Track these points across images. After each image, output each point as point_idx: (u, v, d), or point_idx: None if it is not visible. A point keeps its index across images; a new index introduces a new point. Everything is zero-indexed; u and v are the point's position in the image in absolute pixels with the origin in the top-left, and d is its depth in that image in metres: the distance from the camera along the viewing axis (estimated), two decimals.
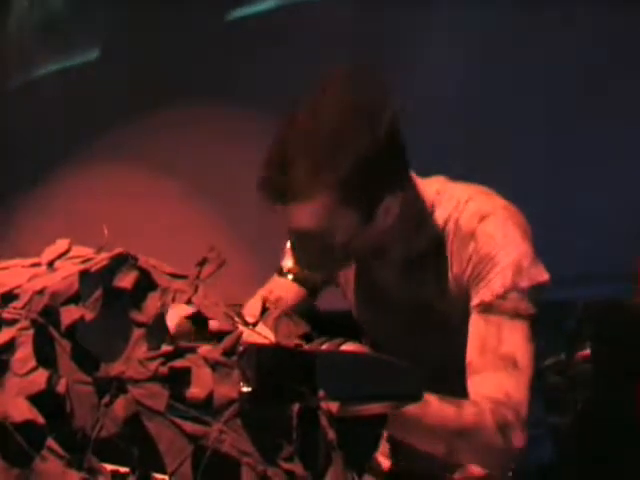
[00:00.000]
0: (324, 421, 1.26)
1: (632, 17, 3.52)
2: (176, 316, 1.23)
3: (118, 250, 1.28)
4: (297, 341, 1.38)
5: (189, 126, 4.21)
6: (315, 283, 2.08)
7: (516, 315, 1.80)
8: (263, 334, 1.31)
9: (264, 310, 1.34)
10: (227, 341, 1.23)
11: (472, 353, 1.81)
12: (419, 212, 1.88)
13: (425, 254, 1.90)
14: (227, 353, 1.22)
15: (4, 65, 4.65)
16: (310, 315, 1.90)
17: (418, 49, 3.76)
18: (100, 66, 4.42)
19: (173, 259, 1.38)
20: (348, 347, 1.54)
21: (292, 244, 1.88)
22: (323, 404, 1.26)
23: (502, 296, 1.81)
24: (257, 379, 1.20)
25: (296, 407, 1.24)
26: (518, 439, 1.75)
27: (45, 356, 1.23)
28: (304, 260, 1.86)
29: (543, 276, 1.85)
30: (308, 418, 1.25)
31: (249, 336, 1.30)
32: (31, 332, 1.24)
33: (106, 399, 1.21)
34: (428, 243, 1.89)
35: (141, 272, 1.26)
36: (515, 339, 1.79)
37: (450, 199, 1.89)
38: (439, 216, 1.89)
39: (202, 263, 1.29)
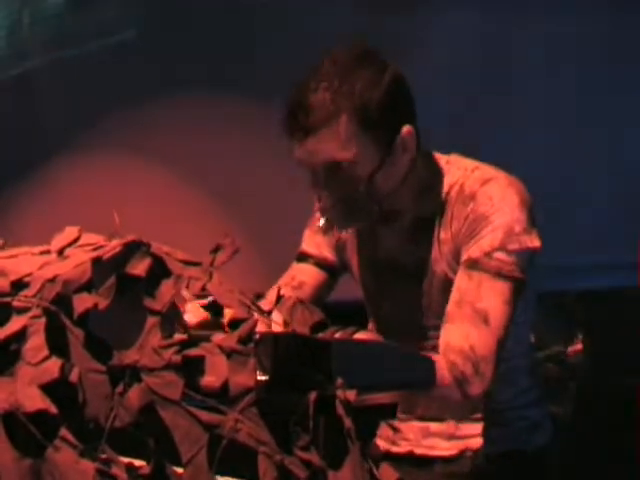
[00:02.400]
0: (341, 409, 1.24)
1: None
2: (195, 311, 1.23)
3: (131, 237, 1.26)
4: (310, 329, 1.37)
5: (189, 114, 4.19)
6: (334, 266, 2.12)
7: (499, 275, 1.85)
8: (278, 322, 1.30)
9: (279, 298, 1.32)
10: (242, 329, 1.21)
11: (450, 304, 1.86)
12: (428, 177, 1.96)
13: (430, 218, 1.96)
14: (243, 341, 1.20)
15: (2, 54, 4.64)
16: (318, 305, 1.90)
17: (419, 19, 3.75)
18: (100, 55, 4.40)
19: (173, 246, 1.36)
20: (361, 335, 1.53)
21: (318, 199, 1.91)
22: (340, 392, 1.24)
23: (488, 254, 1.85)
24: (273, 367, 1.19)
25: (312, 395, 1.22)
26: (475, 388, 1.81)
27: (57, 345, 1.21)
28: (332, 211, 1.89)
29: (534, 242, 1.89)
30: (324, 406, 1.23)
31: (260, 324, 1.29)
32: (43, 320, 1.22)
33: (120, 388, 1.20)
34: (434, 207, 1.96)
35: (154, 259, 1.25)
36: (492, 298, 1.84)
37: (458, 168, 1.97)
38: (446, 182, 1.96)
39: (216, 250, 1.27)
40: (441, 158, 2.00)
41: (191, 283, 1.23)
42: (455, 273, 1.91)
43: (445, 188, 1.96)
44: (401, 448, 2.09)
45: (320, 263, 2.12)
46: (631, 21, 3.54)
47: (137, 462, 1.29)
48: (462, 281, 1.87)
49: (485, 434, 2.03)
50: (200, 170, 4.18)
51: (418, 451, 2.07)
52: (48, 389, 1.18)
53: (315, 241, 2.14)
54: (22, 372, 1.20)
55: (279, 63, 3.77)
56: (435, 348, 1.87)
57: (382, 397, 1.45)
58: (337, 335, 1.48)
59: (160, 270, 1.24)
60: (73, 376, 1.19)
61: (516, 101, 3.60)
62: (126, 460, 1.23)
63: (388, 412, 1.52)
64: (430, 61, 3.62)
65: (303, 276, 2.11)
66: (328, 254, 2.12)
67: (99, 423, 1.19)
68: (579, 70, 3.60)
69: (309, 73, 1.86)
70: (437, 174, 1.97)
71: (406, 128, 1.87)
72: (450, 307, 1.86)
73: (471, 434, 2.04)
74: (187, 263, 1.27)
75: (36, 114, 4.48)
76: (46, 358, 1.20)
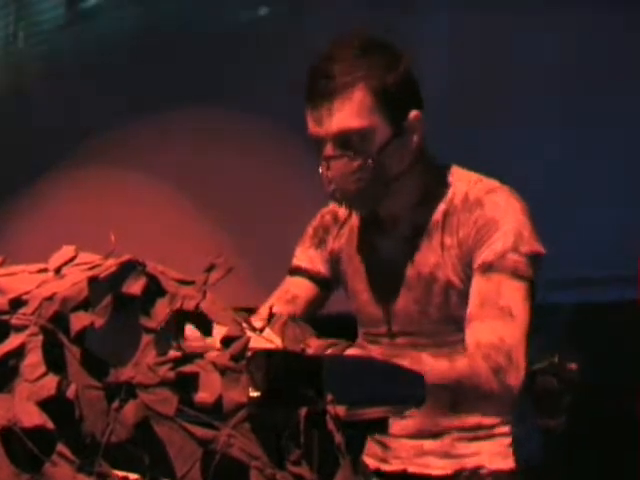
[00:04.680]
0: (331, 425, 1.27)
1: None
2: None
3: (126, 256, 1.29)
4: (303, 346, 1.39)
5: (184, 129, 4.21)
6: (327, 279, 2.16)
7: (515, 275, 1.90)
8: (269, 339, 1.33)
9: (271, 316, 1.35)
10: (235, 346, 1.24)
11: (472, 307, 1.90)
12: (430, 185, 2.02)
13: (432, 225, 2.01)
14: (236, 358, 1.23)
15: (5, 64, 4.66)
16: (309, 319, 1.92)
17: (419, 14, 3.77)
18: (95, 69, 4.42)
19: (167, 263, 1.39)
20: (353, 351, 1.55)
21: (327, 168, 1.95)
22: (330, 408, 1.27)
23: (502, 255, 1.91)
24: (265, 384, 1.22)
25: (304, 411, 1.25)
26: (513, 378, 1.82)
27: (55, 362, 1.24)
28: (339, 183, 1.94)
29: (541, 248, 1.95)
30: (315, 422, 1.26)
31: (255, 341, 1.32)
32: (40, 338, 1.24)
33: (116, 404, 1.22)
34: (436, 215, 2.01)
35: (149, 278, 1.27)
36: (513, 295, 1.88)
37: (461, 179, 2.04)
38: (449, 191, 2.02)
39: (210, 269, 1.30)
40: (443, 167, 2.06)
41: (185, 301, 1.26)
42: (460, 277, 1.96)
43: (448, 197, 2.02)
44: (393, 466, 2.09)
45: (313, 277, 2.15)
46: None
47: (132, 476, 1.31)
48: (480, 284, 1.91)
49: (480, 451, 2.04)
50: (194, 185, 4.20)
51: (412, 469, 2.07)
52: (45, 405, 1.21)
53: (308, 255, 2.17)
54: (20, 388, 1.23)
55: (278, 77, 3.80)
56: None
57: (373, 412, 1.48)
58: (329, 351, 1.50)
59: (155, 289, 1.27)
60: (70, 392, 1.21)
61: (516, 106, 3.61)
62: (121, 474, 1.26)
63: (379, 427, 1.54)
64: (430, 59, 3.64)
65: (296, 290, 2.14)
66: (321, 268, 2.15)
67: (95, 438, 1.22)
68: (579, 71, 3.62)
69: (332, 45, 1.97)
70: (439, 183, 2.04)
71: (415, 112, 1.97)
72: (472, 309, 1.90)
73: (466, 453, 2.04)
74: (181, 282, 1.30)
75: (30, 130, 4.50)
76: (43, 375, 1.22)
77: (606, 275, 3.45)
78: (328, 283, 2.17)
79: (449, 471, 2.04)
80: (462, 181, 2.03)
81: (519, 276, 1.90)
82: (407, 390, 1.70)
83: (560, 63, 3.50)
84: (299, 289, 2.15)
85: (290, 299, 2.13)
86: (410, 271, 2.02)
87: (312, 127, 1.96)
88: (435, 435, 2.05)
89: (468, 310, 1.90)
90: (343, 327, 1.93)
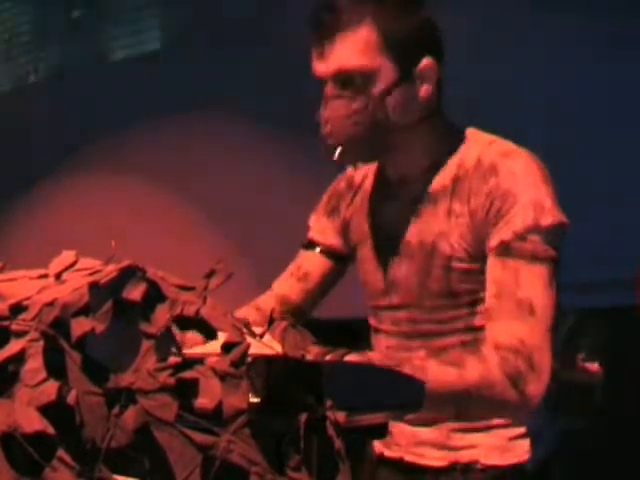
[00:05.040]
0: (331, 430, 1.27)
1: None
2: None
3: (126, 262, 1.29)
4: (302, 352, 1.40)
5: (190, 136, 4.22)
6: (341, 253, 2.08)
7: (535, 259, 1.77)
8: (269, 345, 1.33)
9: (271, 322, 1.35)
10: (235, 352, 1.24)
11: (489, 299, 1.79)
12: (441, 145, 1.92)
13: (440, 191, 1.90)
14: (236, 364, 1.23)
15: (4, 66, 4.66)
16: (309, 324, 1.92)
17: None
18: (99, 75, 4.42)
19: (169, 269, 1.39)
20: (352, 357, 1.56)
21: (324, 118, 1.86)
22: (330, 414, 1.27)
23: (521, 236, 1.78)
24: (265, 390, 1.22)
25: (303, 417, 1.25)
26: (534, 387, 1.72)
27: (55, 367, 1.24)
28: (340, 127, 1.84)
29: (564, 218, 1.82)
30: (315, 427, 1.26)
31: (255, 347, 1.32)
32: (41, 344, 1.25)
33: (116, 410, 1.22)
34: (445, 179, 1.90)
35: (150, 284, 1.28)
36: (533, 284, 1.76)
37: (475, 141, 1.92)
38: (461, 154, 1.90)
39: (210, 275, 1.30)
40: (456, 129, 1.95)
41: (186, 307, 1.26)
42: (466, 249, 1.86)
43: (459, 160, 1.90)
44: (393, 453, 2.04)
45: (326, 251, 2.08)
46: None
47: None
48: (496, 270, 1.79)
49: (476, 444, 1.97)
50: (194, 190, 4.21)
51: (407, 458, 2.01)
52: (46, 411, 1.21)
53: (321, 226, 2.10)
54: (20, 394, 1.23)
55: (279, 81, 3.80)
56: (435, 336, 1.87)
57: (373, 417, 1.48)
58: (328, 357, 1.51)
59: (155, 295, 1.27)
60: (70, 398, 1.22)
61: (516, 108, 3.62)
62: (121, 478, 1.26)
63: (379, 432, 1.55)
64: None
65: (309, 266, 2.09)
66: (333, 240, 2.09)
67: (96, 444, 1.22)
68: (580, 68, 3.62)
69: None
70: (451, 144, 1.92)
71: (428, 59, 1.85)
72: (489, 302, 1.79)
73: (462, 445, 1.97)
74: (181, 288, 1.30)
75: (31, 134, 4.50)
76: (44, 380, 1.22)
77: (605, 278, 3.45)
78: (341, 256, 2.09)
79: (444, 463, 1.98)
80: (475, 142, 1.91)
81: (539, 259, 1.77)
82: (406, 395, 1.70)
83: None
84: (312, 265, 2.09)
85: (302, 276, 2.08)
86: (412, 239, 1.93)
87: (314, 64, 1.85)
88: (431, 424, 1.96)
89: (486, 301, 1.80)
90: (342, 331, 1.93)
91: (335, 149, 1.86)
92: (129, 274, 1.28)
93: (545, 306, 1.76)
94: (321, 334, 1.46)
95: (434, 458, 1.99)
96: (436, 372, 1.66)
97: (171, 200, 4.28)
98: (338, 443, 1.26)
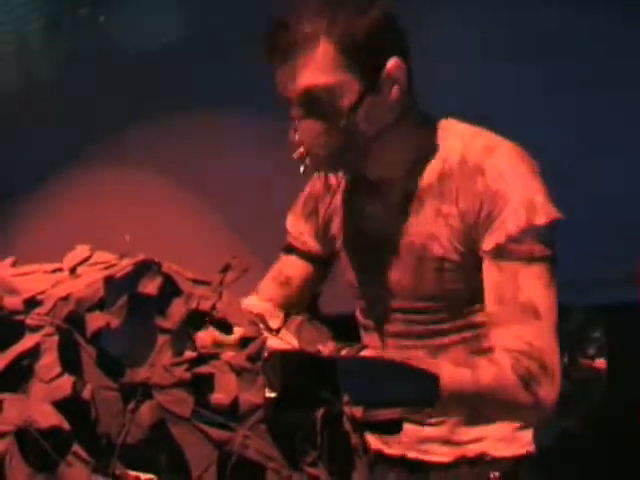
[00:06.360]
0: (348, 426, 1.26)
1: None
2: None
3: (141, 256, 1.28)
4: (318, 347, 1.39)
5: (198, 129, 4.21)
6: (319, 255, 2.03)
7: (532, 259, 1.73)
8: (286, 340, 1.32)
9: (286, 317, 1.34)
10: (252, 347, 1.23)
11: (490, 305, 1.76)
12: (421, 143, 1.84)
13: (426, 189, 1.85)
14: (252, 359, 1.23)
15: (9, 65, 4.66)
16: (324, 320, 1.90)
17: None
18: (110, 68, 4.42)
19: (180, 263, 1.38)
20: (367, 353, 1.55)
21: (295, 131, 1.80)
22: (347, 409, 1.26)
23: (516, 238, 1.74)
24: (281, 385, 1.21)
25: (320, 412, 1.25)
26: (547, 390, 1.69)
27: (70, 362, 1.23)
28: (310, 146, 1.78)
29: (557, 213, 1.77)
30: (332, 423, 1.25)
31: (272, 342, 1.31)
32: (56, 338, 1.24)
33: (131, 405, 1.22)
34: (430, 177, 1.84)
35: (165, 278, 1.27)
36: (533, 286, 1.73)
37: (455, 134, 1.84)
38: (443, 151, 1.83)
39: (225, 269, 1.29)
40: (434, 122, 1.87)
41: (201, 302, 1.25)
42: (458, 250, 1.81)
43: (441, 156, 1.83)
44: (394, 450, 1.98)
45: (306, 255, 2.03)
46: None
47: (144, 476, 1.31)
48: (493, 275, 1.76)
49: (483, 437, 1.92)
50: (208, 186, 4.21)
51: (411, 455, 1.96)
52: (61, 406, 1.20)
53: (299, 230, 2.04)
54: (35, 389, 1.22)
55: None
56: (428, 336, 1.84)
57: (388, 413, 1.47)
58: (343, 352, 1.49)
59: (171, 289, 1.27)
60: (86, 393, 1.21)
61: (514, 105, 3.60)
62: (133, 474, 1.25)
63: (394, 428, 1.54)
64: (427, 56, 3.63)
65: (290, 270, 2.03)
66: (312, 244, 2.02)
67: (111, 439, 1.21)
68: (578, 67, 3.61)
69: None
70: (431, 140, 1.84)
71: (393, 61, 1.76)
72: (491, 308, 1.76)
73: (468, 439, 1.92)
74: (197, 282, 1.29)
75: (40, 129, 4.50)
76: (59, 375, 1.22)
77: (608, 275, 3.44)
78: (321, 259, 2.03)
79: (450, 458, 1.93)
80: (456, 137, 1.84)
81: (536, 259, 1.73)
82: (422, 391, 1.68)
83: None
84: (293, 269, 2.03)
85: (284, 281, 2.02)
86: (400, 240, 1.87)
87: (278, 87, 1.78)
88: (440, 424, 1.92)
89: (487, 307, 1.77)
90: (343, 327, 1.89)
91: (314, 169, 1.83)
92: (144, 268, 1.28)
93: (548, 307, 1.74)
94: (336, 329, 1.45)
95: (439, 454, 1.95)
96: (451, 372, 1.65)
97: (185, 197, 4.28)
98: (355, 439, 1.26)
